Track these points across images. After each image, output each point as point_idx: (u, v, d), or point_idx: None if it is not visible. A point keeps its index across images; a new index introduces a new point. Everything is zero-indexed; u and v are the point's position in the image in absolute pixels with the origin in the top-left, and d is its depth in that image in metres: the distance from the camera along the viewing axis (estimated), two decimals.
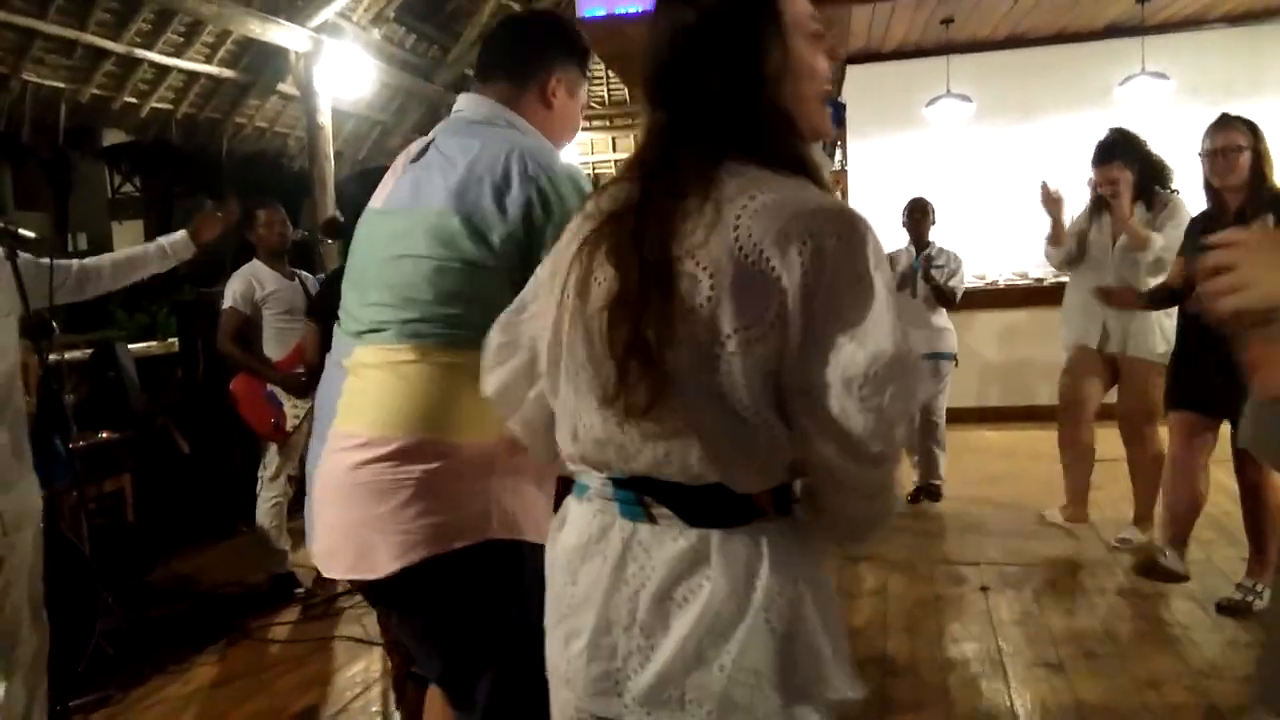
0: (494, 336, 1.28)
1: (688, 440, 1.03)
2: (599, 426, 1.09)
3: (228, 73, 7.60)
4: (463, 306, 1.50)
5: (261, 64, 7.65)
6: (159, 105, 7.43)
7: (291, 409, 4.11)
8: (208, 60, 7.36)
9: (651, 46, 1.12)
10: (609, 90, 11.77)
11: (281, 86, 7.93)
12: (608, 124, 12.04)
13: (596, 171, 11.91)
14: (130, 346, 5.27)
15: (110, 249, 4.01)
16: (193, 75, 7.42)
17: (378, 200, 1.67)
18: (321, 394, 1.68)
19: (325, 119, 7.08)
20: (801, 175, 1.06)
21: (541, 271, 1.24)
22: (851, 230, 1.00)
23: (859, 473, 1.04)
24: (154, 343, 6.24)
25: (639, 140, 1.16)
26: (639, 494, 1.09)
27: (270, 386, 4.11)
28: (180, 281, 8.39)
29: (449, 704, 1.66)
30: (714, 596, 1.04)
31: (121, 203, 17.14)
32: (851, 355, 0.98)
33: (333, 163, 7.09)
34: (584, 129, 7.62)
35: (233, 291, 4.18)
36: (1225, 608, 3.42)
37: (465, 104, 1.70)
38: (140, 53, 6.77)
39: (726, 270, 1.00)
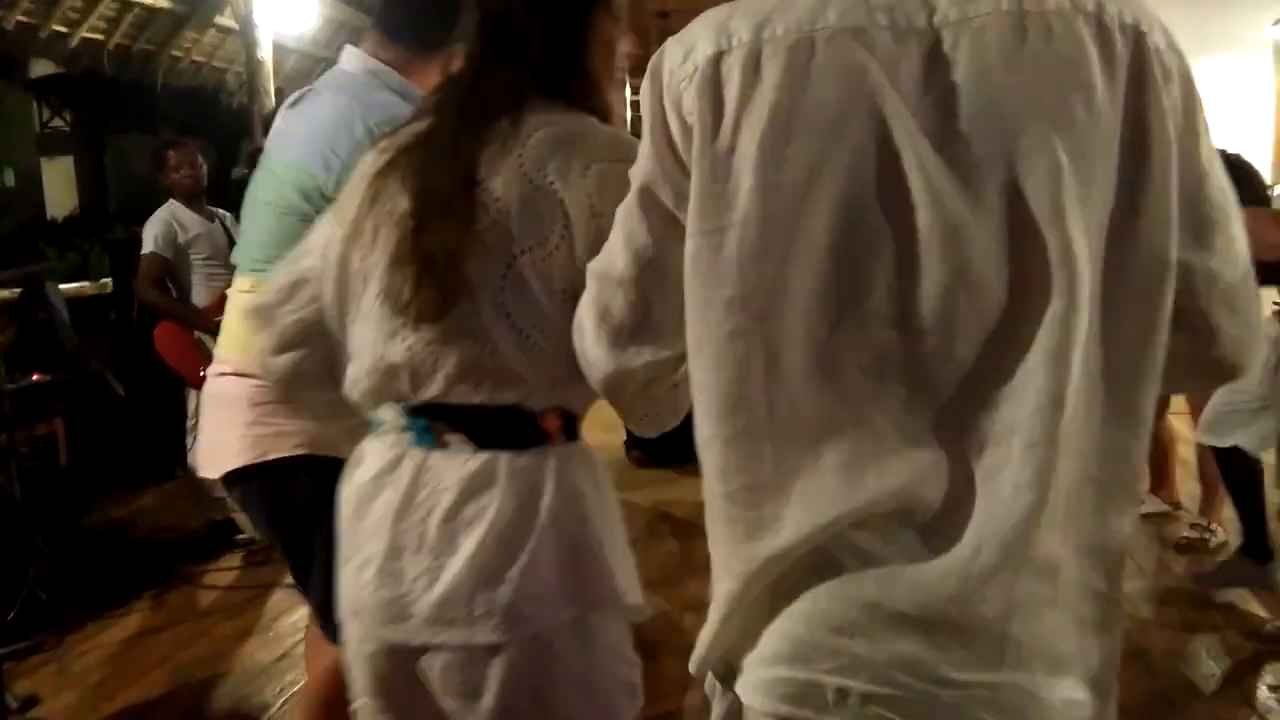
0: (279, 278, 1.29)
1: (479, 356, 1.09)
2: (395, 352, 1.12)
3: (163, 2, 7.32)
4: (288, 246, 1.58)
5: None
6: (90, 35, 7.14)
7: None
8: None
9: None
10: None
11: (220, 19, 7.66)
12: None
13: None
14: (61, 287, 5.10)
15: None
16: (125, 4, 7.13)
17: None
18: None
19: (265, 54, 6.87)
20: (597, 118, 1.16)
21: (329, 214, 1.27)
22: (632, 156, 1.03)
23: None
24: (86, 283, 6.05)
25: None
26: (430, 420, 1.12)
27: (198, 334, 3.97)
28: (112, 219, 8.15)
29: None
30: (500, 514, 1.08)
31: (51, 137, 16.50)
32: None
33: (274, 100, 6.88)
34: None
35: (152, 235, 3.99)
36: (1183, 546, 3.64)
37: (352, 56, 1.70)
38: None
39: (514, 194, 1.08)
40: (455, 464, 1.10)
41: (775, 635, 0.82)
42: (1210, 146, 0.83)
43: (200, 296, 4.05)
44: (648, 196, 0.88)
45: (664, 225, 0.87)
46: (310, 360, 1.27)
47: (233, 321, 1.75)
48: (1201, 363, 0.88)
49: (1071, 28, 0.75)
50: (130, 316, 5.17)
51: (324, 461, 1.58)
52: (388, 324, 1.13)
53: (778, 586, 0.82)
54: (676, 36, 0.85)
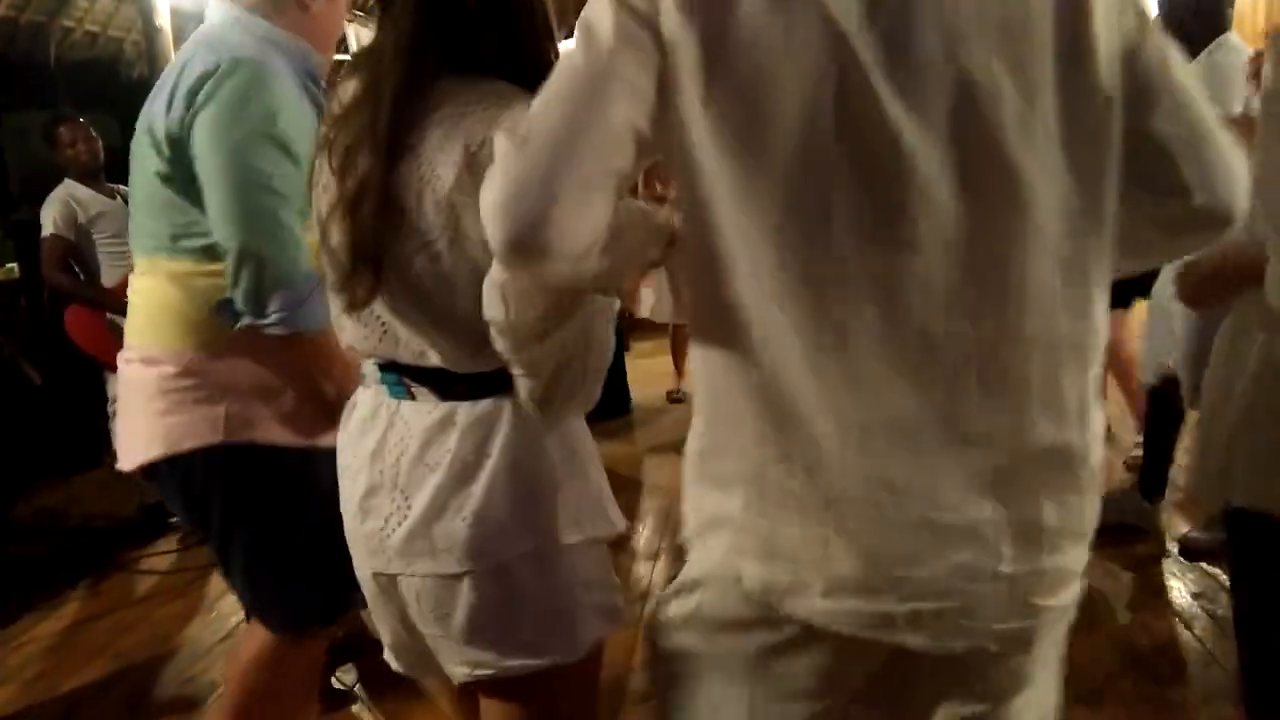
0: None
1: (414, 333, 1.16)
2: (348, 328, 1.23)
3: None
4: (165, 216, 1.60)
5: None
6: None
7: None
8: None
9: None
10: None
11: None
12: None
13: None
14: None
15: None
16: None
17: None
18: None
19: (164, 21, 6.56)
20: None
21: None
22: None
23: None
24: None
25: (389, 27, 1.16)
26: (399, 375, 1.21)
27: (110, 315, 3.83)
28: (15, 201, 7.81)
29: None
30: (457, 454, 1.17)
31: None
32: None
33: None
34: None
35: (51, 217, 3.82)
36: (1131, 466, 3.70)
37: (210, 11, 1.68)
38: None
39: (412, 188, 1.10)
40: (422, 413, 1.20)
41: (838, 561, 0.89)
42: (1164, 44, 0.90)
43: (109, 277, 3.91)
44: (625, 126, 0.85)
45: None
46: None
47: (139, 305, 1.70)
48: (1190, 219, 0.94)
49: None
50: (41, 302, 4.99)
51: (242, 449, 1.59)
52: (337, 300, 1.22)
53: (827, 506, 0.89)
54: None
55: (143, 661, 2.94)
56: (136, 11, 6.88)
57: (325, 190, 1.19)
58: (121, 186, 4.05)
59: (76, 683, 2.86)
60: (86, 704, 2.76)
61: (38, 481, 4.56)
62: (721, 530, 0.96)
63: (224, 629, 3.09)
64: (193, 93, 1.51)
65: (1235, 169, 0.92)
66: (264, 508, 1.65)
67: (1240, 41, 3.05)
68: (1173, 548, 3.15)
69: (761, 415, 0.89)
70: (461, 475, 1.17)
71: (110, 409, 3.97)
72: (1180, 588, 2.90)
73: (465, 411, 1.17)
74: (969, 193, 0.83)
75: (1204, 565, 3.02)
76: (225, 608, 3.24)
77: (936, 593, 0.87)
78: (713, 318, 0.92)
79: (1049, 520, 0.89)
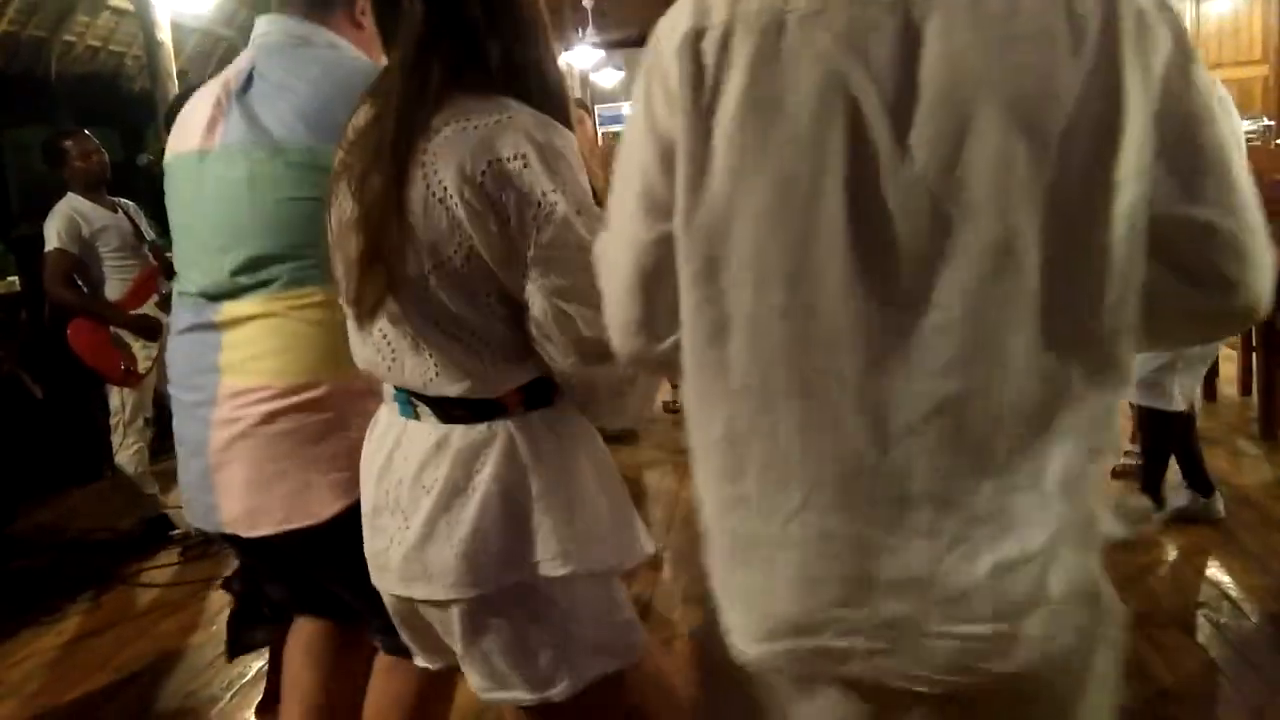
0: None
1: (422, 359, 1.16)
2: (360, 350, 1.24)
3: None
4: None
5: None
6: None
7: (141, 349, 3.87)
8: None
9: None
10: None
11: (113, 0, 7.38)
12: None
13: None
14: None
15: None
16: None
17: (194, 140, 1.49)
18: (177, 362, 1.56)
19: (165, 35, 6.62)
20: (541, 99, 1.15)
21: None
22: (532, 149, 1.09)
23: (569, 369, 1.16)
24: None
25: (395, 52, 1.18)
26: (409, 394, 1.21)
27: (114, 329, 3.85)
28: (16, 216, 7.84)
29: (349, 635, 1.68)
30: (447, 478, 1.17)
31: None
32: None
33: (176, 83, 6.64)
34: None
35: (55, 231, 3.79)
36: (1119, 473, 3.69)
37: (272, 26, 1.53)
38: None
39: (419, 206, 1.10)
40: (422, 434, 1.20)
41: (773, 604, 0.89)
42: (1204, 95, 0.81)
43: (113, 290, 3.91)
44: (646, 194, 0.91)
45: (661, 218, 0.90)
46: None
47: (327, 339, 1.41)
48: (1228, 315, 0.87)
49: (1038, 2, 0.77)
50: (42, 316, 5.00)
51: None
52: (352, 322, 1.23)
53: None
54: (667, 14, 0.89)
55: (144, 675, 2.94)
56: (138, 26, 6.94)
57: (343, 212, 1.18)
58: (123, 200, 4.07)
59: (77, 697, 2.84)
60: (88, 718, 2.75)
61: (38, 495, 4.56)
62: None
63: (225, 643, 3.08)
64: None
65: (1267, 264, 0.84)
66: None
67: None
68: (1173, 554, 3.15)
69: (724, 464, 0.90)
70: (449, 500, 1.17)
71: (113, 422, 3.97)
72: (1184, 597, 2.89)
73: (459, 435, 1.17)
74: (962, 259, 0.80)
75: (1207, 575, 3.01)
76: (226, 622, 3.23)
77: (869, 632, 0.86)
78: (702, 370, 0.90)
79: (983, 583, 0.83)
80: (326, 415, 1.42)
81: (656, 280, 0.91)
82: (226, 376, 1.46)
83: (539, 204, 1.08)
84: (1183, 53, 0.80)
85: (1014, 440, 0.82)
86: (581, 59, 11.22)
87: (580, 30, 10.83)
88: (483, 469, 1.16)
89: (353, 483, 1.36)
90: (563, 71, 1.27)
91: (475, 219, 1.08)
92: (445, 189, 1.08)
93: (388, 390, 1.26)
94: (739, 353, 0.86)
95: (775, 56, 0.81)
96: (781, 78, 0.81)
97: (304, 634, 1.78)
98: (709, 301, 0.86)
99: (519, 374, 1.18)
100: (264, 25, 1.55)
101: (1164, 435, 3.33)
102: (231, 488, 1.46)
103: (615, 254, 0.96)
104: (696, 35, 0.84)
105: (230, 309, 1.46)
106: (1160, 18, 0.79)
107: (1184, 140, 0.81)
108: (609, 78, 12.72)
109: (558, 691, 1.19)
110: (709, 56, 0.83)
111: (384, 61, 1.64)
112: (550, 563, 1.17)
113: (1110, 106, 0.77)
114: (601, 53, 11.49)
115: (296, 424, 1.42)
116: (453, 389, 1.16)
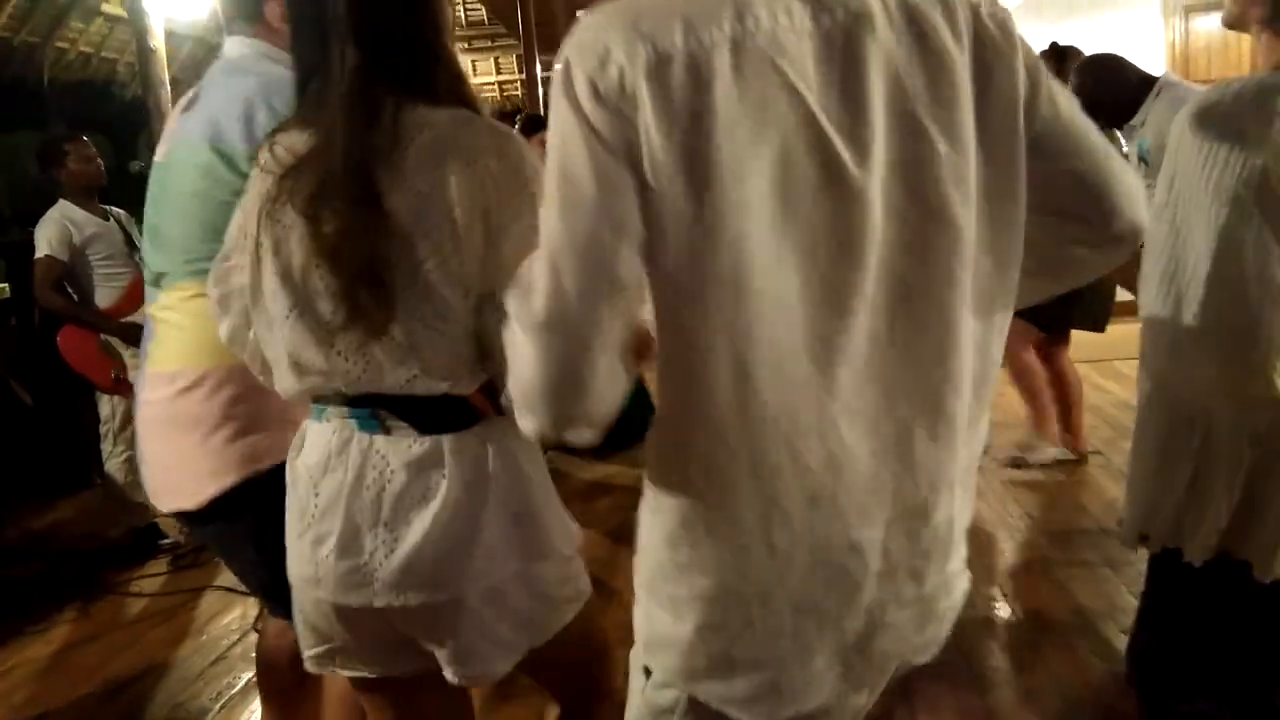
0: (212, 290, 1.35)
1: (405, 359, 1.17)
2: (325, 361, 1.20)
3: None
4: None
5: None
6: None
7: (132, 357, 3.84)
8: None
9: None
10: (465, 11, 11.40)
11: (106, 7, 7.38)
12: (466, 45, 11.68)
13: None
14: None
15: None
16: None
17: (159, 154, 1.69)
18: (144, 345, 1.73)
19: (158, 42, 6.60)
20: (466, 108, 1.21)
21: (233, 227, 1.32)
22: (507, 147, 1.18)
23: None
24: None
25: (332, 76, 1.18)
26: (373, 409, 1.21)
27: (104, 337, 3.83)
28: (5, 222, 7.81)
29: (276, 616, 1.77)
30: (451, 492, 1.19)
31: None
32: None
33: (169, 90, 6.63)
34: None
35: (46, 238, 3.76)
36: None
37: (226, 48, 1.73)
38: None
39: (405, 207, 1.13)
40: (401, 448, 1.20)
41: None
42: (1040, 73, 0.94)
43: (103, 298, 3.89)
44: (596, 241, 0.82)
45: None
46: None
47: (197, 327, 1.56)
48: (1113, 239, 1.01)
49: (930, 17, 0.86)
50: (32, 323, 4.98)
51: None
52: (313, 335, 1.20)
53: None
54: (575, 44, 0.83)
55: (133, 685, 2.91)
56: (131, 34, 6.93)
57: (295, 237, 1.18)
58: (114, 208, 4.05)
59: (65, 707, 2.82)
60: None
61: (27, 503, 4.53)
62: None
63: (215, 652, 3.06)
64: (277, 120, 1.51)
65: (1137, 190, 1.00)
66: None
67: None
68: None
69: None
70: (459, 510, 1.20)
71: (102, 430, 3.95)
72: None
73: (450, 444, 1.20)
74: (915, 252, 0.88)
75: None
76: (216, 630, 3.21)
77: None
78: (679, 380, 0.90)
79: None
80: (214, 398, 1.55)
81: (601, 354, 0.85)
82: (148, 361, 1.67)
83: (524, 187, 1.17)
84: (1034, 64, 0.94)
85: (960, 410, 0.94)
86: None
87: None
88: (489, 478, 1.22)
89: (226, 469, 1.53)
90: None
91: (465, 210, 1.13)
92: (434, 189, 1.13)
93: (331, 407, 1.24)
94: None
95: (738, 81, 0.80)
96: (742, 102, 0.80)
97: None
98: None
99: (487, 367, 1.21)
100: (229, 44, 1.74)
101: None
102: (149, 467, 1.68)
103: (550, 339, 0.85)
104: (661, 63, 0.80)
105: (160, 299, 1.65)
106: (996, 10, 0.91)
107: (1048, 117, 0.95)
108: None
109: (537, 641, 1.32)
110: (672, 91, 0.79)
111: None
112: (553, 548, 1.30)
113: (987, 90, 0.90)
114: None
115: (185, 408, 1.56)
116: (437, 388, 1.18)
